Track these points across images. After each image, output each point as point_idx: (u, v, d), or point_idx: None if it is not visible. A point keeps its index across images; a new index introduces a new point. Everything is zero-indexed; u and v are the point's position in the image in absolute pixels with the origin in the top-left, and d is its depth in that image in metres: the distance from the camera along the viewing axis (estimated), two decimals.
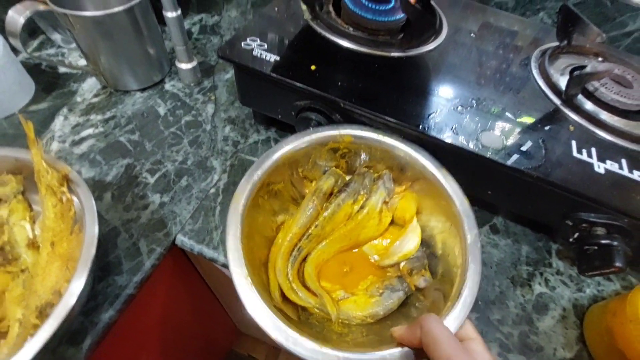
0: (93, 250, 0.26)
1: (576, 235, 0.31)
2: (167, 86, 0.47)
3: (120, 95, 0.45)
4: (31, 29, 0.51)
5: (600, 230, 0.31)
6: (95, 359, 0.29)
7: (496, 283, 0.35)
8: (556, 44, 0.42)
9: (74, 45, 0.50)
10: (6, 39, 0.39)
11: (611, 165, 0.31)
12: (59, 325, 0.23)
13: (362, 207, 0.32)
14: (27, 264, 0.29)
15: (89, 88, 0.46)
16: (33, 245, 0.30)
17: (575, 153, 0.31)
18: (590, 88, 0.36)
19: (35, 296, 0.27)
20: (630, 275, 0.36)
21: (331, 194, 0.34)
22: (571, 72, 0.39)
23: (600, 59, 0.42)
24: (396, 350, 0.22)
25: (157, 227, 0.35)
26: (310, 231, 0.31)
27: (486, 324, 0.32)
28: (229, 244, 0.26)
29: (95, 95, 0.45)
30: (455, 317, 0.23)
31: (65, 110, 0.43)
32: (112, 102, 0.44)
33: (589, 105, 0.36)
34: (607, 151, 0.32)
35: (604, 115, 0.35)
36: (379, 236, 0.33)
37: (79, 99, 0.44)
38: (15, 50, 0.42)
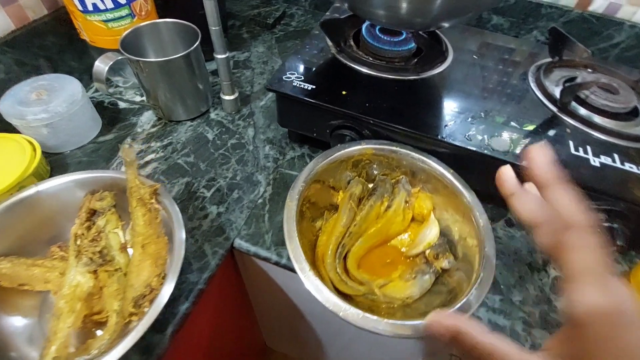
0: (182, 253, 0.32)
1: None
2: (212, 115, 0.54)
3: (173, 125, 0.53)
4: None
5: (602, 216, 0.35)
6: (176, 344, 0.34)
7: (515, 269, 0.39)
8: (549, 59, 0.48)
9: (129, 84, 0.58)
10: (82, 84, 0.47)
11: (605, 159, 0.36)
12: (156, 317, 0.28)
13: (388, 207, 0.38)
14: (120, 264, 0.35)
15: (146, 120, 0.53)
16: (124, 249, 0.36)
17: (572, 151, 0.37)
18: (582, 96, 0.42)
19: (131, 289, 0.32)
20: (637, 257, 0.40)
21: (360, 199, 0.40)
22: (564, 83, 0.45)
23: (589, 70, 0.48)
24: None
25: (217, 232, 0.41)
26: (350, 229, 0.37)
27: (509, 304, 0.37)
28: (290, 244, 0.31)
29: (153, 126, 0.53)
30: (484, 281, 0.29)
31: (129, 139, 0.51)
32: (167, 131, 0.52)
33: (582, 111, 0.41)
34: (600, 148, 0.37)
35: (597, 119, 0.40)
36: (404, 231, 0.39)
37: (139, 130, 0.52)
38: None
